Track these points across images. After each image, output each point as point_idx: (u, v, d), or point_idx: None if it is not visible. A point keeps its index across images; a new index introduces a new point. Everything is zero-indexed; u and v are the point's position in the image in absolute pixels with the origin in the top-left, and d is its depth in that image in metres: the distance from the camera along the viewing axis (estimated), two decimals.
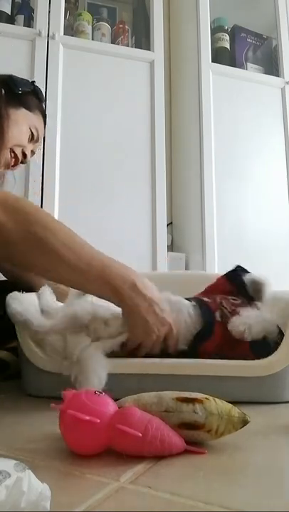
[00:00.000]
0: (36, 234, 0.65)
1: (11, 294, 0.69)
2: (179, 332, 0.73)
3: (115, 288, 0.66)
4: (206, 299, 0.79)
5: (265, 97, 1.85)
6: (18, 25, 1.61)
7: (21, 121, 1.01)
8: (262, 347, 0.71)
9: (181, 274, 1.41)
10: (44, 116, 1.09)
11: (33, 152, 1.08)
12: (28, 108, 1.03)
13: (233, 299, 0.79)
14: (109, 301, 0.69)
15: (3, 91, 0.99)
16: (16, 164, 1.03)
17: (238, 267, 0.85)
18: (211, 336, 0.73)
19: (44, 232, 0.65)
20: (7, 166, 1.02)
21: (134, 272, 0.69)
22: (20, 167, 1.07)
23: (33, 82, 1.08)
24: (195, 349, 0.73)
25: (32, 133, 1.03)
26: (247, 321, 0.73)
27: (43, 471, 0.37)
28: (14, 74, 1.02)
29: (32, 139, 1.04)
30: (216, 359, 0.72)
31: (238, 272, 0.84)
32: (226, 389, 0.67)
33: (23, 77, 1.05)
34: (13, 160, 1.01)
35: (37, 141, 1.06)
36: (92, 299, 0.77)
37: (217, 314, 0.75)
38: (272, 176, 1.79)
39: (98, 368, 0.64)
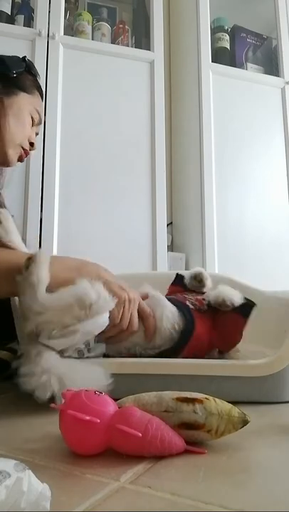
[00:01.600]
0: None
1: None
2: (162, 326, 0.75)
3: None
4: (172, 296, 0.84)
5: (265, 97, 1.85)
6: (18, 25, 1.61)
7: (22, 110, 0.95)
8: (245, 307, 0.77)
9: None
10: (41, 93, 1.03)
11: (36, 134, 1.04)
12: (26, 90, 0.96)
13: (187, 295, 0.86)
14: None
15: None
16: (26, 155, 1.00)
17: (177, 274, 0.95)
18: (194, 331, 0.76)
19: None
20: (19, 160, 0.99)
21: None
22: (20, 165, 1.06)
23: (24, 57, 1.00)
24: (183, 344, 0.75)
25: (33, 118, 0.99)
26: (219, 294, 0.79)
27: (43, 471, 0.37)
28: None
29: (34, 124, 1.00)
30: (215, 357, 0.73)
31: (179, 275, 0.94)
32: (226, 389, 0.67)
33: (10, 55, 0.97)
34: (24, 153, 0.98)
35: (39, 123, 1.02)
36: None
37: (188, 303, 0.81)
38: (272, 175, 1.79)
39: (57, 369, 0.61)
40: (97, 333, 0.67)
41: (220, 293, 0.79)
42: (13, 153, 0.95)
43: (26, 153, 0.99)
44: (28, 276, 0.64)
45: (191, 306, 0.80)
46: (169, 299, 0.80)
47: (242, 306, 0.78)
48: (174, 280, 0.94)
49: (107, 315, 0.67)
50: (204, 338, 0.77)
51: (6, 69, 0.93)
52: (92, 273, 0.71)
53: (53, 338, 0.63)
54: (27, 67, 0.99)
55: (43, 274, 0.65)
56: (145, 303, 0.77)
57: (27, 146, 0.98)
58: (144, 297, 0.79)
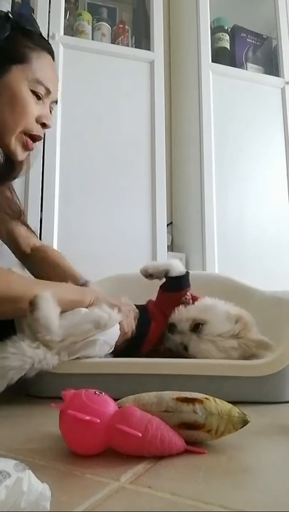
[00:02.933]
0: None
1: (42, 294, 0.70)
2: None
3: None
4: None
5: (265, 97, 1.85)
6: None
7: (16, 89, 0.77)
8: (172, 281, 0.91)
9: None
10: (48, 50, 0.82)
11: (51, 109, 0.85)
12: (19, 59, 0.77)
13: None
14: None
15: None
16: (37, 139, 0.83)
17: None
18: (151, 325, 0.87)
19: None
20: (25, 149, 0.83)
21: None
22: None
23: (7, 14, 0.78)
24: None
25: (35, 91, 0.79)
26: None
27: (43, 471, 0.37)
28: None
29: (40, 97, 0.80)
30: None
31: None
32: (226, 389, 0.67)
33: None
34: (30, 139, 0.82)
35: (49, 93, 0.82)
36: None
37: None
38: (272, 175, 1.79)
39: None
40: (114, 342, 0.76)
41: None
42: (14, 144, 0.80)
43: (34, 138, 0.82)
44: (36, 320, 0.68)
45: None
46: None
47: (165, 283, 0.93)
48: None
49: (118, 326, 0.77)
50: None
51: None
52: (91, 294, 0.80)
53: (74, 352, 0.71)
54: (14, 25, 0.77)
55: (51, 314, 0.69)
56: None
57: (36, 130, 0.81)
58: None
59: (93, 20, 1.74)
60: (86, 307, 0.78)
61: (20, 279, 0.75)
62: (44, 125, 0.83)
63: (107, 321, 0.73)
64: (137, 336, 0.84)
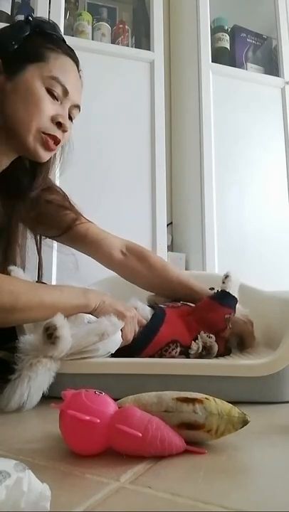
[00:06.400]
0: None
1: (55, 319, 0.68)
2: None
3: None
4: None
5: (265, 97, 1.85)
6: None
7: (30, 86, 0.75)
8: (224, 295, 0.89)
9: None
10: (65, 52, 0.81)
11: (71, 114, 0.82)
12: (36, 58, 0.76)
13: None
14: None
15: None
16: (56, 142, 0.80)
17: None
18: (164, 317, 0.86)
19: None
20: (46, 148, 0.79)
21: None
22: None
23: (27, 17, 0.79)
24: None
25: (51, 90, 0.77)
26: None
27: (43, 471, 0.37)
28: None
29: (56, 97, 0.78)
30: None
31: None
32: (226, 389, 0.67)
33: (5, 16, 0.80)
34: (50, 138, 0.78)
35: (66, 93, 0.79)
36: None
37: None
38: (272, 175, 1.79)
39: (33, 387, 0.64)
40: (114, 350, 0.74)
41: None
42: (33, 143, 0.77)
43: (54, 138, 0.79)
44: (56, 350, 0.67)
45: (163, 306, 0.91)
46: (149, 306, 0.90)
47: (219, 293, 0.90)
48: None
49: (120, 333, 0.75)
50: (176, 322, 0.86)
51: (4, 41, 0.75)
52: (97, 298, 0.77)
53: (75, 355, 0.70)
54: (34, 28, 0.78)
55: (69, 340, 0.68)
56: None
57: (51, 130, 0.78)
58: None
59: (93, 20, 1.74)
60: (91, 312, 0.75)
61: (24, 286, 0.70)
62: (60, 125, 0.79)
63: (110, 333, 0.72)
64: (140, 339, 0.81)
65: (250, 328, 0.92)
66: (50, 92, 0.77)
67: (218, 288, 0.92)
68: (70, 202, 0.97)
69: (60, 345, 0.66)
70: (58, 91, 0.78)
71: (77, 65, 0.85)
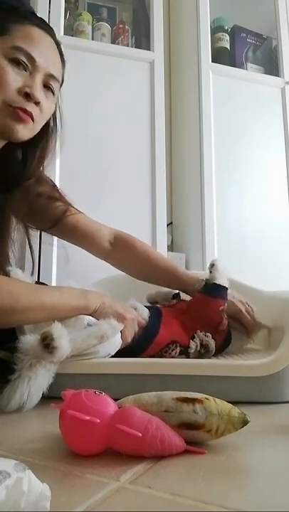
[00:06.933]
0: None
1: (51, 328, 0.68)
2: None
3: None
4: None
5: (265, 97, 1.85)
6: None
7: None
8: (212, 287, 0.89)
9: None
10: (28, 17, 0.75)
11: (49, 85, 0.78)
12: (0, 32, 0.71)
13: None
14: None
15: None
16: (28, 113, 0.74)
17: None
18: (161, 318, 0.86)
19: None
20: (18, 120, 0.74)
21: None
22: None
23: None
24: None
25: (14, 59, 0.72)
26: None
27: (43, 471, 0.37)
28: None
29: (22, 65, 0.72)
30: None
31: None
32: (226, 389, 0.67)
33: None
34: (20, 111, 0.73)
35: (33, 62, 0.74)
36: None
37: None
38: (272, 175, 1.79)
39: (33, 387, 0.64)
40: (114, 352, 0.75)
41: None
42: (2, 119, 0.73)
43: (24, 111, 0.73)
44: (53, 358, 0.67)
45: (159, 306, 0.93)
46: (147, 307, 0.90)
47: (208, 286, 0.90)
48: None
49: (119, 335, 0.75)
50: (172, 323, 0.87)
51: None
52: (96, 299, 0.77)
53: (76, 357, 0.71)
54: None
55: (67, 349, 0.68)
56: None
57: (19, 102, 0.73)
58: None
59: (93, 20, 1.74)
60: (91, 314, 0.75)
61: (24, 287, 0.70)
62: (27, 96, 0.73)
63: (109, 336, 0.72)
64: (140, 340, 0.81)
65: (240, 306, 0.93)
66: (14, 61, 0.72)
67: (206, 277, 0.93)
68: (59, 192, 0.97)
69: (57, 355, 0.66)
70: (23, 59, 0.73)
71: (53, 37, 0.80)
